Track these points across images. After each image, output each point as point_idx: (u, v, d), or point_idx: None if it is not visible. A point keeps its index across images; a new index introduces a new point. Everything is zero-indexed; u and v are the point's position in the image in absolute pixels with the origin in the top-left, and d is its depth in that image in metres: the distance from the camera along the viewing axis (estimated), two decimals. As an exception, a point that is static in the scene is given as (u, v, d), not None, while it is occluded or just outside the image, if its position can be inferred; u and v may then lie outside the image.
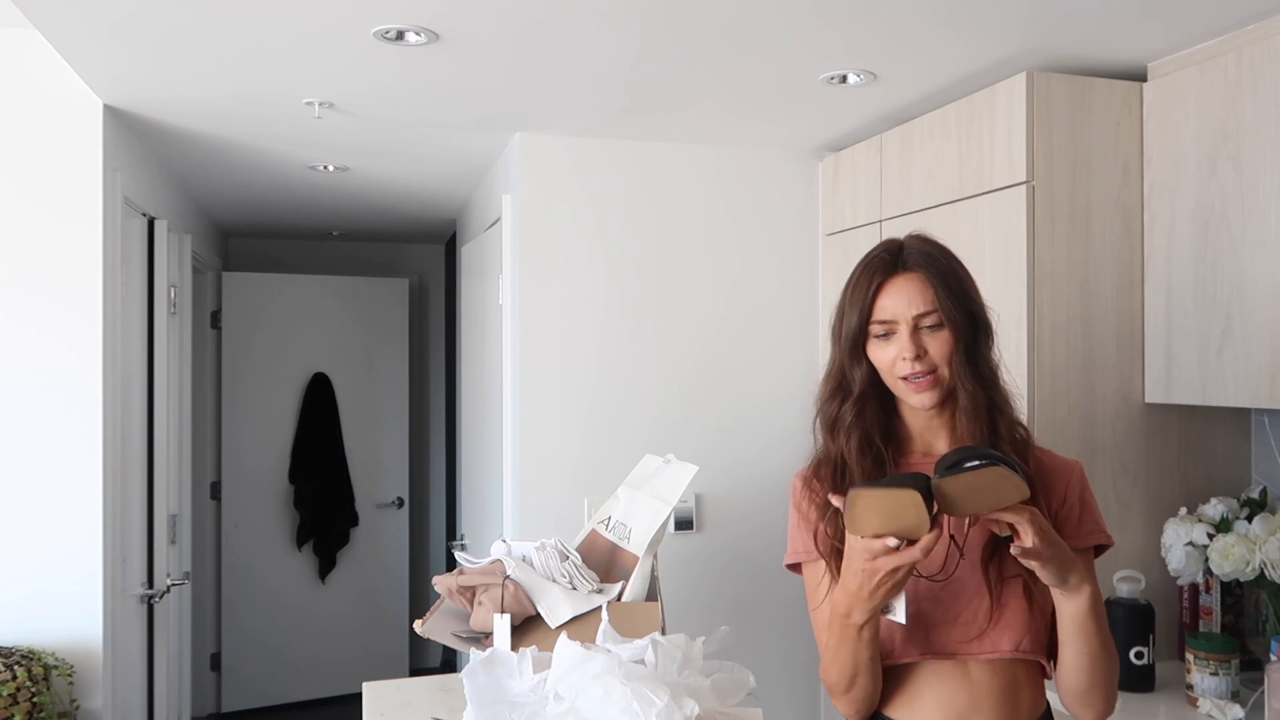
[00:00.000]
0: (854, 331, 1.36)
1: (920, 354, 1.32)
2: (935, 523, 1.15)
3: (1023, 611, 1.31)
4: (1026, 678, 1.36)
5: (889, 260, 1.36)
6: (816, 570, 1.40)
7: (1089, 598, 1.25)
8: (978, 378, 1.34)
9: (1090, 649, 1.28)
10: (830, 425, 1.41)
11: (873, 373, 1.37)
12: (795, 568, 1.47)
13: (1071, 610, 1.26)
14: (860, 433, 1.37)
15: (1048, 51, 2.11)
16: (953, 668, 1.34)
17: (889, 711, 1.38)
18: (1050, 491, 1.38)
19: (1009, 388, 1.40)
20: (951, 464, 1.18)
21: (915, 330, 1.32)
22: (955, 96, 2.41)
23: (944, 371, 1.33)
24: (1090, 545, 1.37)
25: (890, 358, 1.34)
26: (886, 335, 1.34)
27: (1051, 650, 1.36)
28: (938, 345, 1.32)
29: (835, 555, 1.35)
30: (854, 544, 1.21)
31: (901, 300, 1.33)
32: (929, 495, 1.15)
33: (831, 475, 1.40)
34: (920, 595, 1.33)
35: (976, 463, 1.15)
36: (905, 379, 1.33)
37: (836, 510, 1.34)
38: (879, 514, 1.17)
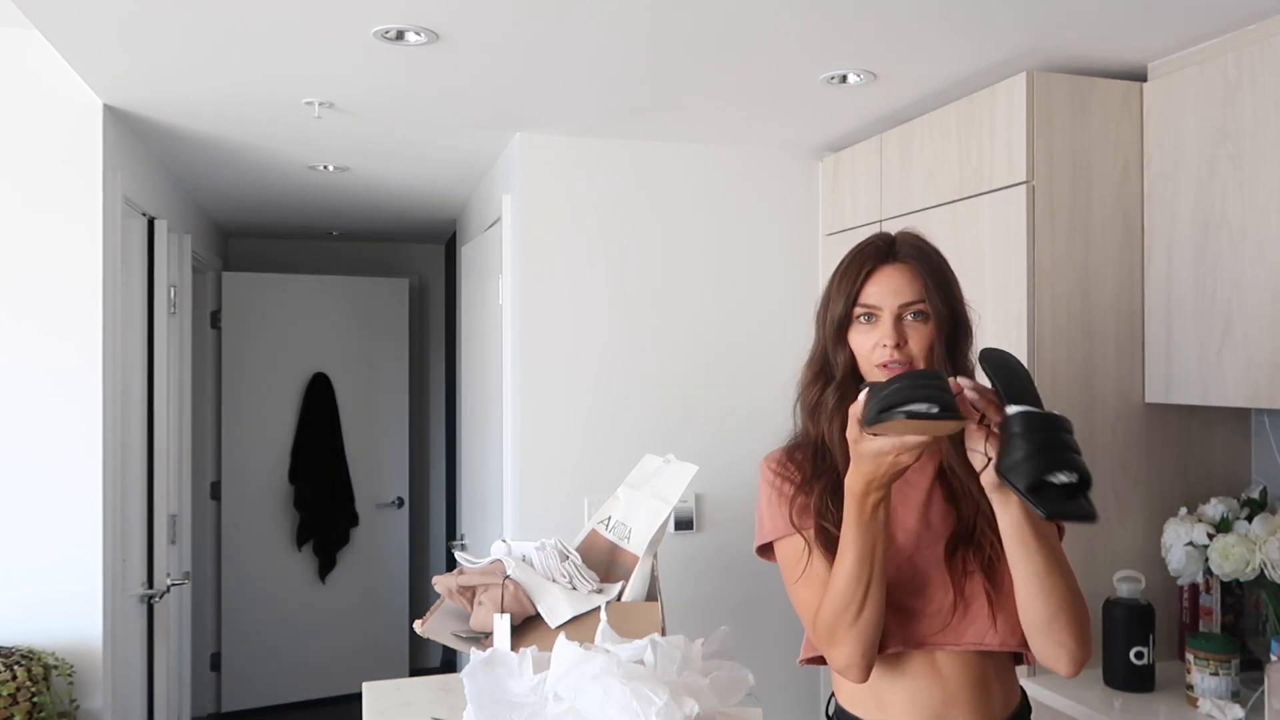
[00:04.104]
0: (840, 316, 1.37)
1: (900, 343, 1.32)
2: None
3: (985, 605, 1.32)
4: (996, 671, 1.36)
5: (882, 249, 1.37)
6: (795, 544, 1.39)
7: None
8: (955, 374, 1.34)
9: (1037, 567, 1.22)
10: (811, 410, 1.42)
11: (854, 359, 1.38)
12: (765, 553, 1.46)
13: (1010, 516, 1.21)
14: (842, 417, 1.36)
15: (1048, 51, 2.11)
16: (922, 663, 1.34)
17: (860, 712, 1.38)
18: None
19: None
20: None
21: (899, 319, 1.33)
22: (955, 96, 2.41)
23: (920, 364, 1.33)
24: None
25: (871, 344, 1.34)
26: (870, 320, 1.35)
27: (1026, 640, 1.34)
28: (919, 337, 1.33)
29: (822, 532, 1.36)
30: (879, 443, 1.18)
31: (889, 288, 1.34)
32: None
33: (810, 458, 1.41)
34: (890, 585, 1.33)
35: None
36: (882, 366, 1.33)
37: (822, 489, 1.36)
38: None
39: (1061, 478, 1.11)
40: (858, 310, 1.36)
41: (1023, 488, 1.12)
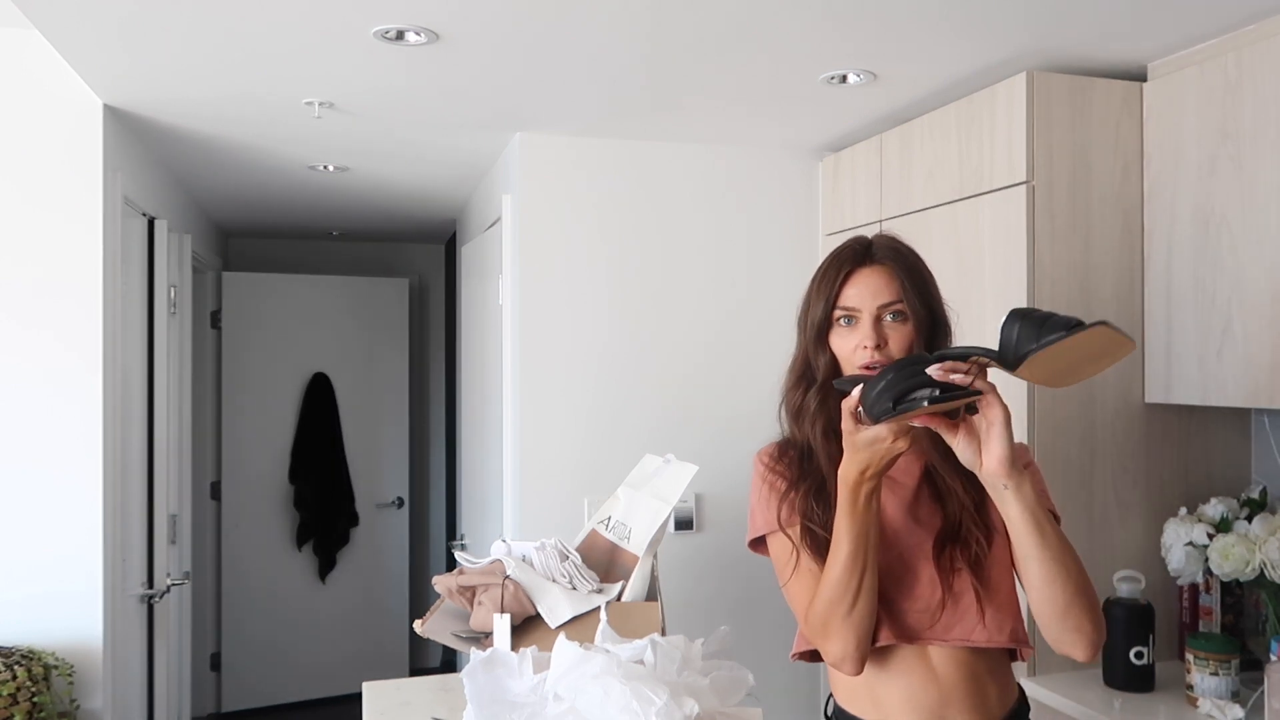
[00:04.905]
0: (819, 320, 1.39)
1: (880, 344, 1.34)
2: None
3: (973, 601, 1.33)
4: (990, 669, 1.36)
5: (858, 251, 1.39)
6: (785, 542, 1.41)
7: (1034, 488, 1.23)
8: None
9: (1053, 551, 1.24)
10: (795, 413, 1.44)
11: (835, 361, 1.39)
12: (758, 546, 1.47)
13: (1023, 503, 1.22)
14: (824, 420, 1.40)
15: (1048, 51, 2.11)
16: (916, 661, 1.34)
17: (858, 711, 1.38)
18: None
19: None
20: (1037, 329, 1.16)
21: (878, 320, 1.35)
22: (955, 96, 2.41)
23: None
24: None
25: (851, 346, 1.36)
26: (850, 323, 1.37)
27: (1016, 637, 1.36)
28: (898, 337, 1.35)
29: (808, 533, 1.37)
30: (876, 429, 1.20)
31: (867, 290, 1.35)
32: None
33: (797, 460, 1.42)
34: (879, 581, 1.33)
35: (1060, 334, 1.13)
36: (863, 368, 1.34)
37: (807, 490, 1.38)
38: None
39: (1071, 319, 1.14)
40: (837, 313, 1.37)
41: (1058, 336, 1.14)
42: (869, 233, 1.50)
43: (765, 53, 2.12)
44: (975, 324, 2.24)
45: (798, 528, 1.39)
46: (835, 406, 1.39)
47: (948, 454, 1.36)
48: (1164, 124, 2.15)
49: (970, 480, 1.35)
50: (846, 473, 1.25)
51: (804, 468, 1.41)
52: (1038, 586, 1.26)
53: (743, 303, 3.01)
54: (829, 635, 1.31)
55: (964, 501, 1.36)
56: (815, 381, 1.41)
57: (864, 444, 1.21)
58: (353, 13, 1.87)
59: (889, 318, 1.35)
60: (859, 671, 1.33)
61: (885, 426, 1.19)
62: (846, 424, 1.23)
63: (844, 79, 2.30)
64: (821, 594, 1.31)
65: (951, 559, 1.34)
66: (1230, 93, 1.97)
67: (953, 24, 1.96)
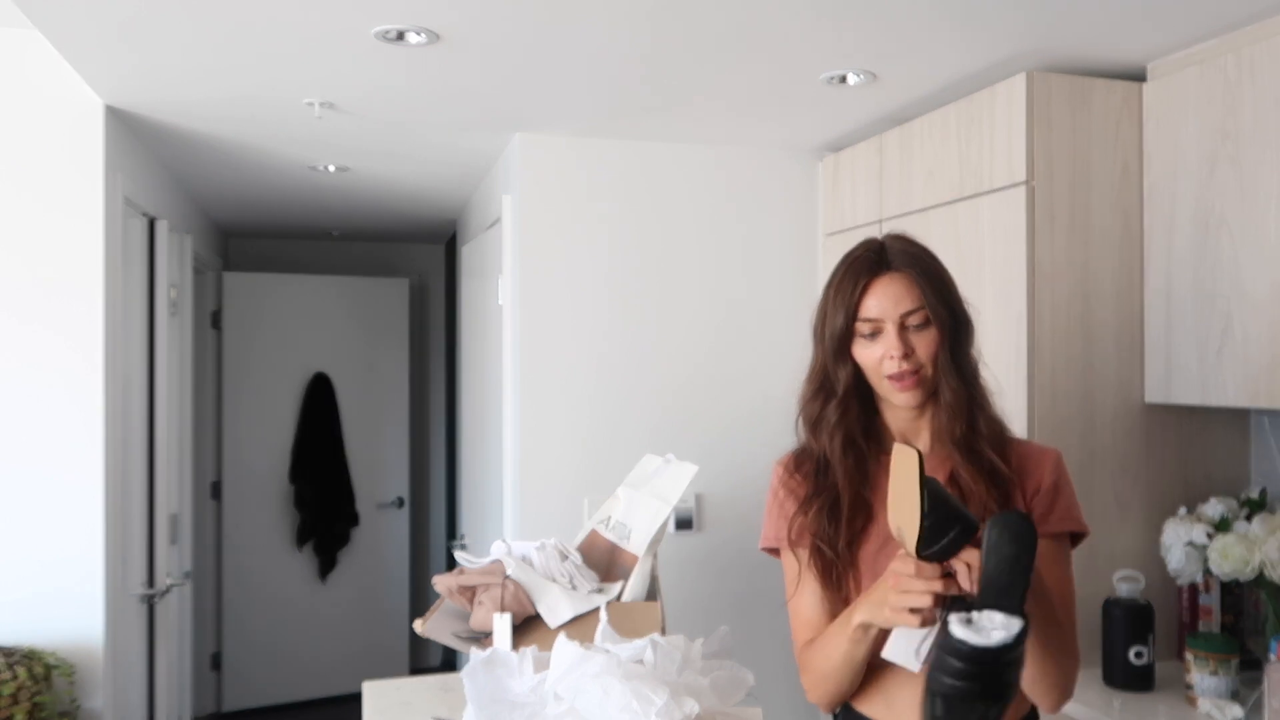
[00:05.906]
0: (839, 331, 1.37)
1: (908, 353, 1.33)
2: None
3: None
4: None
5: (873, 260, 1.37)
6: (791, 558, 1.42)
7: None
8: (961, 375, 1.36)
9: (1038, 633, 1.21)
10: (813, 424, 1.43)
11: (857, 372, 1.38)
12: (772, 551, 1.49)
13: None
14: (844, 432, 1.39)
15: (1047, 51, 2.12)
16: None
17: (867, 710, 1.39)
18: (1025, 478, 1.38)
19: (988, 384, 1.41)
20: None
21: (902, 329, 1.33)
22: (955, 96, 2.41)
23: (928, 370, 1.34)
24: (1063, 531, 1.38)
25: (877, 357, 1.35)
26: (873, 335, 1.35)
27: None
28: (924, 344, 1.34)
29: (817, 553, 1.37)
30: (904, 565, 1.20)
31: (888, 299, 1.34)
32: (951, 534, 1.12)
33: (814, 472, 1.42)
34: None
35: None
36: (892, 378, 1.34)
37: (820, 507, 1.37)
38: (900, 497, 1.15)
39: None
40: (859, 325, 1.35)
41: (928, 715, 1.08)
42: (870, 233, 1.49)
43: (765, 53, 2.12)
44: (974, 318, 2.24)
45: (807, 547, 1.39)
46: (854, 418, 1.39)
47: (971, 455, 1.36)
48: (1164, 124, 2.15)
49: (994, 482, 1.35)
50: (855, 608, 1.26)
51: (819, 481, 1.41)
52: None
53: (743, 302, 3.01)
54: (811, 681, 1.39)
55: (987, 503, 1.34)
56: (836, 393, 1.39)
57: (887, 577, 1.19)
58: (353, 13, 1.87)
59: (913, 325, 1.34)
60: (831, 712, 1.42)
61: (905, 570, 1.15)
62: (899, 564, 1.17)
63: (844, 79, 2.30)
64: (814, 648, 1.36)
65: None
66: (1230, 93, 1.97)
67: (953, 24, 1.96)
